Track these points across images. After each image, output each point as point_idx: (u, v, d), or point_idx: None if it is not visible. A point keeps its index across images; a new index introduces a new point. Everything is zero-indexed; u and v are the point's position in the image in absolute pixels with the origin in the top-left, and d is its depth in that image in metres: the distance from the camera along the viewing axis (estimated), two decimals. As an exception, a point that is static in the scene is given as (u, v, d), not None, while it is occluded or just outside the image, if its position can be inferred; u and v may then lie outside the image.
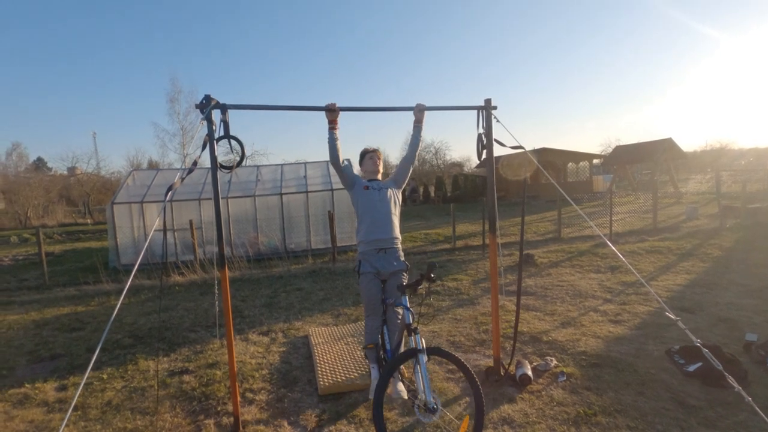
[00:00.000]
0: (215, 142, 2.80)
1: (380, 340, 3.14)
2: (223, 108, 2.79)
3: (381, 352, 3.12)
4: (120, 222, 10.56)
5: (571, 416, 2.88)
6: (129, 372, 4.00)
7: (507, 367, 3.48)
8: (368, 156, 3.34)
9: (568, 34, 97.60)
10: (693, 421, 2.74)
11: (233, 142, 2.87)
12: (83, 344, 4.86)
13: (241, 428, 2.93)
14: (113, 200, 10.80)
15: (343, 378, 3.48)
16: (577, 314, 4.91)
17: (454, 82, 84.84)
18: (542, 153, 24.52)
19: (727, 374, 2.36)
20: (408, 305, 2.79)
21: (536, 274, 6.96)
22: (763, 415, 2.26)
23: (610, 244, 3.28)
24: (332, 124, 3.11)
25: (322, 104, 3.06)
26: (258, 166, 13.48)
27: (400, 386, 2.86)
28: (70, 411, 2.01)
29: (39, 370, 4.15)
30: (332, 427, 2.91)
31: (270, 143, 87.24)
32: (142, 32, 66.81)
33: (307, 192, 11.40)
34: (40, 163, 43.74)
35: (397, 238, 3.12)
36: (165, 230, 9.79)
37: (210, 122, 2.76)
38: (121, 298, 2.38)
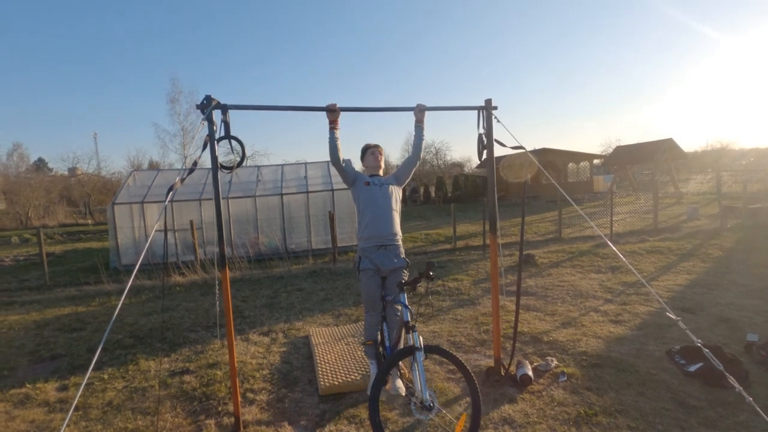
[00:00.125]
0: (216, 142, 2.81)
1: (379, 337, 3.14)
2: (224, 108, 2.80)
3: (380, 349, 3.13)
4: (121, 222, 10.57)
5: (571, 416, 2.88)
6: (130, 372, 4.01)
7: (507, 367, 3.48)
8: (370, 151, 3.35)
9: (568, 34, 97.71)
10: (694, 422, 2.73)
11: (234, 142, 2.87)
12: (84, 344, 4.87)
13: (241, 428, 2.93)
14: (114, 201, 10.81)
15: (344, 378, 3.47)
16: (577, 314, 4.91)
17: (454, 82, 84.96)
18: (543, 153, 24.52)
19: (727, 374, 2.36)
20: (406, 303, 2.80)
21: (537, 275, 6.96)
22: (764, 416, 2.26)
23: (611, 245, 3.28)
24: (333, 125, 3.12)
25: (323, 104, 3.07)
26: (258, 167, 13.50)
27: (399, 383, 2.86)
28: (71, 411, 2.01)
29: (40, 371, 4.15)
30: (333, 428, 2.91)
31: (270, 143, 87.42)
32: (142, 33, 66.97)
33: (307, 192, 11.40)
34: (41, 164, 43.80)
35: (397, 234, 3.13)
36: (166, 230, 9.80)
37: (211, 123, 2.77)
38: (122, 298, 2.38)
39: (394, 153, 46.39)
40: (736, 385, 2.27)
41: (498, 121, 3.31)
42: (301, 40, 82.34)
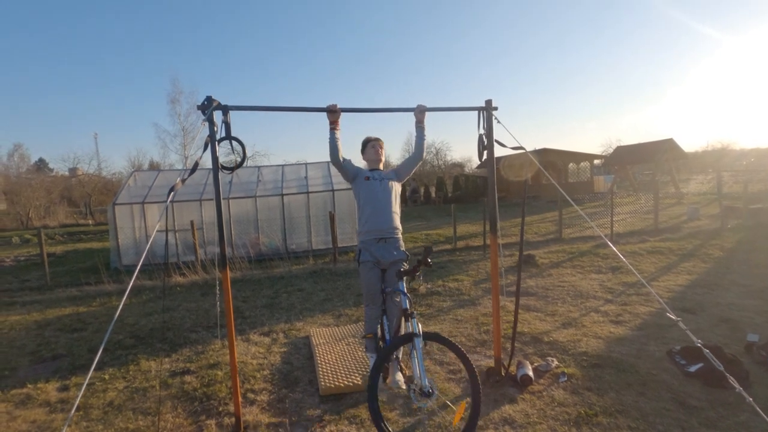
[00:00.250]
0: (217, 143, 2.81)
1: (379, 330, 3.15)
2: (225, 109, 2.80)
3: (380, 343, 3.14)
4: (121, 223, 10.59)
5: (572, 417, 2.88)
6: (131, 372, 4.01)
7: (507, 367, 3.48)
8: (370, 145, 3.36)
9: (569, 35, 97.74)
10: (694, 422, 2.73)
11: (235, 143, 2.88)
12: (85, 345, 4.88)
13: (242, 428, 2.93)
14: (115, 201, 10.82)
15: (345, 379, 3.48)
16: (578, 315, 4.91)
17: (455, 83, 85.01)
18: (543, 153, 24.52)
19: (728, 375, 2.36)
20: (405, 290, 2.81)
21: (537, 275, 6.96)
22: (765, 416, 2.26)
23: (611, 245, 3.28)
24: (333, 125, 3.12)
25: (323, 105, 3.07)
26: (259, 167, 13.50)
27: (399, 376, 2.87)
28: (72, 411, 2.02)
29: (41, 371, 4.16)
30: (333, 428, 2.91)
31: (271, 144, 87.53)
32: (142, 33, 67.02)
33: (308, 193, 11.41)
34: (41, 164, 43.84)
35: (397, 228, 3.16)
36: (167, 231, 9.81)
37: (212, 123, 2.77)
38: (124, 298, 2.38)
39: (395, 153, 46.38)
40: (737, 385, 2.27)
41: (498, 121, 3.31)
42: (301, 40, 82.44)
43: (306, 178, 12.08)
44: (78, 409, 3.31)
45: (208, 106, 2.72)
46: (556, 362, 3.64)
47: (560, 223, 10.77)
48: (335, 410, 3.12)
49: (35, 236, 17.32)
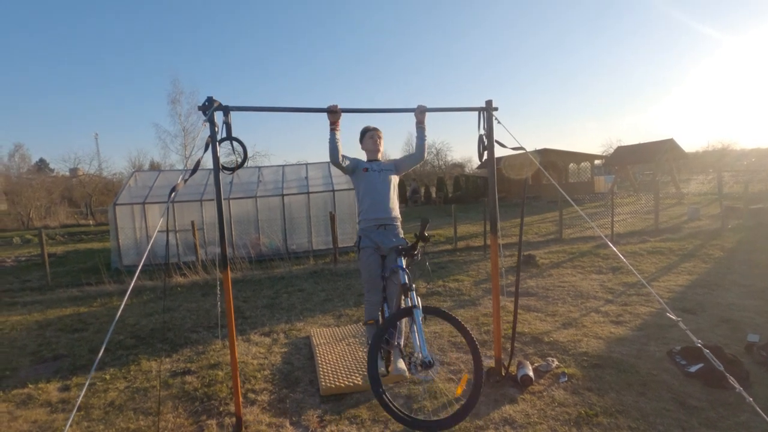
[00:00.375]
0: (218, 143, 2.82)
1: (380, 316, 3.16)
2: (226, 110, 2.81)
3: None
4: (122, 223, 10.60)
5: (572, 417, 2.88)
6: (132, 372, 4.02)
7: (508, 367, 3.48)
8: (369, 135, 3.36)
9: (569, 35, 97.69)
10: (694, 422, 2.74)
11: (235, 143, 2.88)
12: (86, 345, 4.88)
13: (243, 428, 2.94)
14: (115, 201, 10.83)
15: (345, 379, 3.48)
16: (578, 315, 4.91)
17: (456, 83, 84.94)
18: (544, 154, 24.50)
19: (728, 375, 2.36)
20: (404, 266, 2.86)
21: (537, 275, 6.96)
22: (765, 416, 2.27)
23: (612, 245, 3.28)
24: (334, 126, 3.12)
25: (324, 105, 3.07)
26: (259, 167, 13.52)
27: (401, 363, 2.88)
28: (74, 411, 2.02)
29: (42, 371, 4.16)
30: (334, 428, 2.91)
31: (271, 144, 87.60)
32: (142, 33, 67.07)
33: (308, 193, 11.42)
34: (42, 165, 43.87)
35: (396, 217, 3.20)
36: (167, 231, 9.82)
37: (212, 124, 2.78)
38: (125, 299, 2.39)
39: (395, 154, 46.27)
40: (737, 385, 2.27)
41: (498, 122, 3.32)
42: (301, 41, 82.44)
43: (306, 178, 12.09)
44: (79, 409, 3.32)
45: (209, 107, 2.73)
46: (556, 362, 3.64)
47: (561, 224, 10.77)
48: (336, 410, 3.13)
49: (36, 236, 17.35)
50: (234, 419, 3.02)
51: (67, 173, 38.68)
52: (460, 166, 42.09)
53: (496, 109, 3.34)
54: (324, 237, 11.25)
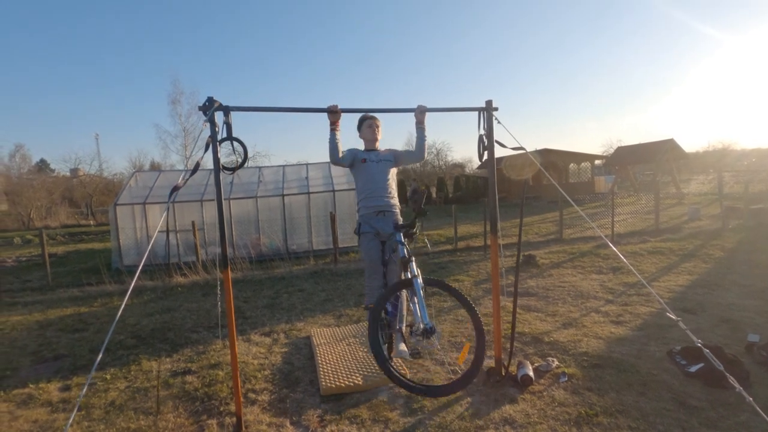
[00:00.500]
0: (218, 143, 2.82)
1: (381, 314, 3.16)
2: (226, 110, 2.81)
3: (382, 313, 3.15)
4: (123, 223, 10.61)
5: (572, 416, 2.88)
6: (132, 372, 4.02)
7: (508, 367, 3.48)
8: (367, 123, 3.36)
9: (569, 35, 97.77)
10: (694, 422, 2.74)
11: (236, 143, 2.89)
12: (86, 345, 4.89)
13: (243, 428, 2.94)
14: (116, 201, 10.84)
15: (345, 379, 3.49)
16: (578, 315, 4.91)
17: (456, 84, 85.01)
18: (544, 154, 24.50)
19: (728, 375, 2.36)
20: (402, 240, 2.91)
21: (538, 275, 6.96)
22: (764, 416, 2.27)
23: (612, 245, 3.28)
24: (334, 126, 3.12)
25: (324, 105, 3.08)
26: (260, 168, 13.52)
27: (403, 346, 2.89)
28: (74, 411, 2.03)
29: (43, 371, 4.17)
30: (334, 428, 2.92)
31: (272, 144, 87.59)
32: (143, 34, 67.12)
33: (308, 193, 11.42)
34: (42, 165, 43.90)
35: (395, 204, 3.24)
36: (167, 231, 9.83)
37: (213, 124, 2.78)
38: (125, 299, 2.39)
39: (395, 154, 46.20)
40: (737, 385, 2.28)
41: (498, 122, 3.32)
42: (301, 41, 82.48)
43: (307, 178, 12.09)
44: (80, 408, 3.33)
45: (209, 107, 2.73)
46: (556, 362, 3.64)
47: (561, 224, 10.77)
48: (336, 410, 3.13)
49: (37, 237, 17.37)
50: (234, 419, 3.02)
51: (68, 173, 38.72)
52: (460, 166, 42.05)
53: (496, 109, 3.34)
54: (324, 237, 11.25)
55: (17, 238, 19.60)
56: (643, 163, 24.60)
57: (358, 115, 3.35)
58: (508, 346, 3.48)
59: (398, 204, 3.28)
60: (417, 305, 2.65)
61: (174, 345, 4.71)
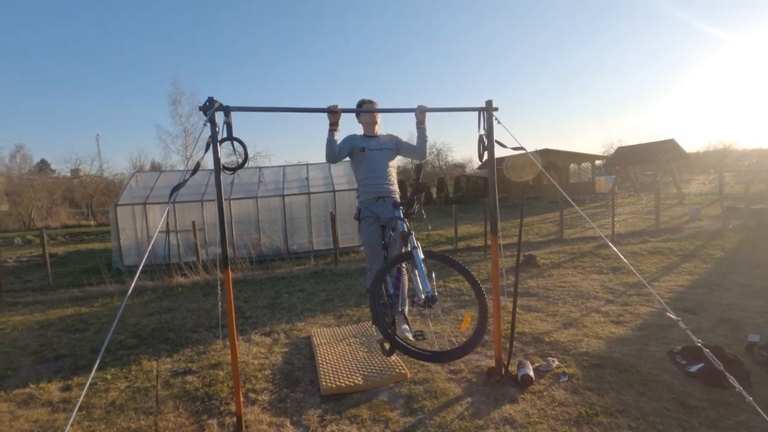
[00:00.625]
0: (218, 143, 2.82)
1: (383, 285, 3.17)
2: (226, 110, 2.81)
3: (386, 297, 3.15)
4: (123, 223, 10.62)
5: (572, 416, 2.88)
6: (133, 372, 4.03)
7: (508, 367, 3.48)
8: (365, 107, 3.35)
9: (570, 35, 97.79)
10: (694, 421, 2.74)
11: (236, 143, 2.89)
12: (87, 345, 4.89)
13: (243, 428, 2.94)
14: (116, 202, 10.85)
15: (346, 379, 3.49)
16: (579, 315, 4.91)
17: (456, 84, 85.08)
18: (544, 154, 24.50)
19: (728, 374, 2.36)
20: (401, 216, 2.94)
21: (538, 275, 6.96)
22: (764, 415, 2.27)
23: (612, 246, 3.29)
24: (333, 126, 3.11)
25: (324, 105, 3.08)
26: (260, 168, 13.53)
27: (405, 327, 2.90)
28: (75, 411, 2.03)
29: (43, 371, 4.17)
30: (334, 427, 2.92)
31: (272, 145, 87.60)
32: (143, 34, 67.19)
33: (309, 193, 11.42)
34: (43, 165, 43.96)
35: (395, 191, 3.26)
36: (167, 231, 9.83)
37: (213, 124, 2.78)
38: (126, 299, 2.40)
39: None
40: (737, 385, 2.28)
41: (498, 122, 3.32)
42: (302, 41, 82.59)
43: (307, 178, 12.10)
44: (80, 408, 3.33)
45: (209, 107, 2.74)
46: (556, 362, 3.64)
47: (561, 224, 10.76)
48: (336, 410, 3.13)
49: (37, 237, 17.38)
50: (235, 419, 3.03)
51: (69, 174, 38.76)
52: (460, 166, 42.06)
53: (496, 109, 3.34)
54: (325, 237, 11.25)
55: (18, 238, 19.62)
56: (644, 164, 24.58)
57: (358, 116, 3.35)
58: (508, 345, 3.47)
59: (398, 191, 3.30)
60: (418, 277, 2.67)
61: (174, 345, 4.72)
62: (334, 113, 3.07)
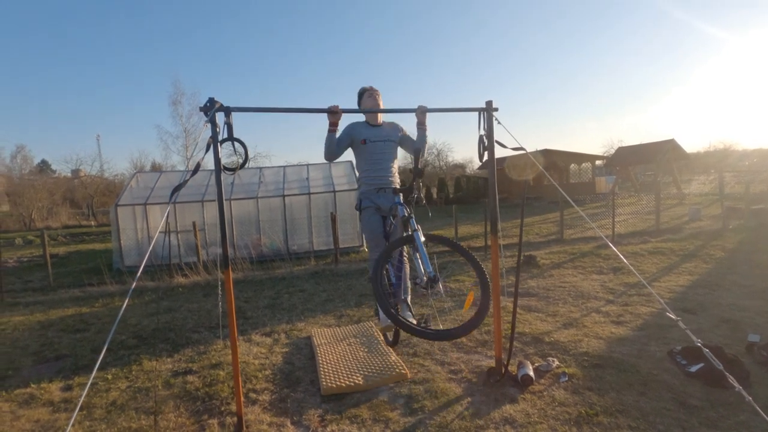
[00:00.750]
0: (219, 144, 2.83)
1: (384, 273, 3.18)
2: (227, 110, 2.82)
3: (388, 286, 3.16)
4: (124, 224, 10.63)
5: (572, 416, 2.89)
6: (133, 372, 4.04)
7: (508, 367, 3.48)
8: (367, 94, 3.34)
9: (570, 35, 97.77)
10: (694, 421, 2.74)
11: (237, 144, 2.89)
12: (88, 345, 4.90)
13: (244, 428, 2.95)
14: (117, 202, 10.87)
15: (346, 379, 3.49)
16: (579, 315, 4.92)
17: (456, 84, 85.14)
18: (545, 154, 24.50)
19: (727, 374, 2.37)
20: (401, 202, 2.98)
21: (538, 276, 6.96)
22: (764, 415, 2.27)
23: (612, 246, 3.29)
24: (333, 127, 3.11)
25: (324, 106, 3.08)
26: (261, 168, 13.54)
27: (408, 314, 2.90)
28: (76, 411, 2.04)
29: (44, 371, 4.18)
30: (335, 427, 2.92)
31: (272, 145, 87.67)
32: (144, 35, 67.26)
33: (309, 194, 11.43)
34: (44, 166, 44.00)
35: (396, 182, 3.27)
36: (168, 231, 9.84)
37: (214, 125, 2.79)
38: (126, 299, 2.41)
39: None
40: (737, 385, 2.28)
41: (498, 122, 3.32)
42: (302, 41, 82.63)
43: (307, 179, 12.11)
44: (81, 408, 3.33)
45: (210, 108, 2.74)
46: (557, 362, 3.64)
47: (561, 224, 10.76)
48: (336, 410, 3.14)
49: (38, 237, 17.39)
50: (235, 419, 3.03)
51: (69, 174, 38.80)
52: (461, 166, 42.06)
53: (496, 109, 3.35)
54: (325, 238, 11.26)
55: (19, 238, 19.63)
56: (644, 164, 24.58)
57: (359, 117, 3.36)
58: (509, 345, 3.48)
59: (398, 181, 3.32)
60: (419, 259, 2.69)
61: (175, 345, 4.73)
62: (334, 113, 3.07)
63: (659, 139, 22.70)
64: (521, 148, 3.27)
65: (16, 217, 29.12)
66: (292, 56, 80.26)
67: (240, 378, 3.02)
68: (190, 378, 3.83)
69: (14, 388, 3.81)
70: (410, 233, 2.79)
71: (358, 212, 3.33)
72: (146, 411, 3.29)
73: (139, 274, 2.66)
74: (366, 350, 4.10)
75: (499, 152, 3.41)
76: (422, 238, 2.73)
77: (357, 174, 3.42)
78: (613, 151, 32.90)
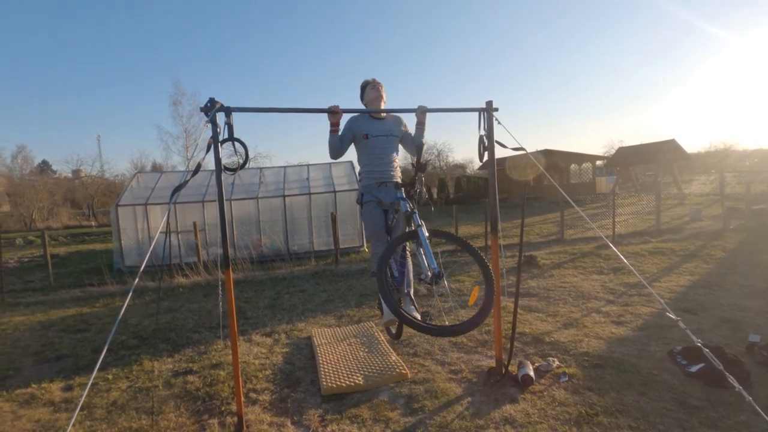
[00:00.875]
0: (219, 144, 2.83)
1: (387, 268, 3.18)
2: (228, 111, 2.82)
3: (391, 279, 3.16)
4: (124, 224, 10.64)
5: (572, 416, 2.89)
6: (134, 372, 4.04)
7: (508, 367, 3.48)
8: (370, 86, 3.35)
9: (570, 35, 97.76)
10: (695, 421, 2.74)
11: (237, 144, 2.90)
12: (88, 345, 4.90)
13: (244, 428, 2.95)
14: (117, 202, 10.87)
15: (346, 379, 3.50)
16: (579, 315, 4.92)
17: (456, 84, 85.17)
18: (545, 154, 24.49)
19: (727, 374, 2.37)
20: (404, 197, 2.98)
21: (539, 276, 6.96)
22: (764, 415, 2.27)
23: (612, 246, 3.29)
24: (334, 127, 3.12)
25: (325, 106, 3.09)
26: (261, 168, 13.54)
27: (412, 308, 2.91)
28: (77, 411, 2.04)
29: (45, 371, 4.19)
30: (335, 427, 2.93)
31: (273, 145, 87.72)
32: (144, 35, 67.32)
33: (309, 194, 11.44)
34: (44, 166, 44.03)
35: (397, 176, 3.28)
36: (168, 231, 9.85)
37: (214, 125, 2.79)
38: (127, 299, 2.41)
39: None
40: (737, 384, 2.28)
41: (498, 122, 3.33)
42: (302, 41, 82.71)
43: (308, 179, 12.11)
44: (82, 408, 3.34)
45: (210, 108, 2.75)
46: (557, 362, 3.64)
47: (562, 224, 10.76)
48: (337, 410, 3.14)
49: (39, 238, 17.41)
50: (235, 419, 3.03)
51: (70, 175, 38.84)
52: (461, 167, 42.05)
53: (496, 109, 3.35)
54: (325, 238, 11.26)
55: (19, 239, 19.65)
56: (645, 164, 24.57)
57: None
58: (509, 346, 3.48)
59: (400, 175, 3.32)
60: (423, 255, 2.68)
61: (175, 345, 4.73)
62: (334, 114, 3.07)
63: (660, 139, 22.70)
64: (521, 149, 3.27)
65: (17, 217, 29.14)
66: (292, 56, 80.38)
67: (240, 378, 3.03)
68: (190, 378, 3.83)
69: (15, 388, 3.81)
70: (414, 228, 2.78)
71: (359, 206, 3.33)
72: (147, 411, 3.29)
73: (139, 274, 2.67)
74: (366, 350, 4.10)
75: (500, 152, 3.41)
76: (426, 234, 2.72)
77: (358, 168, 3.42)
78: (613, 152, 32.89)
